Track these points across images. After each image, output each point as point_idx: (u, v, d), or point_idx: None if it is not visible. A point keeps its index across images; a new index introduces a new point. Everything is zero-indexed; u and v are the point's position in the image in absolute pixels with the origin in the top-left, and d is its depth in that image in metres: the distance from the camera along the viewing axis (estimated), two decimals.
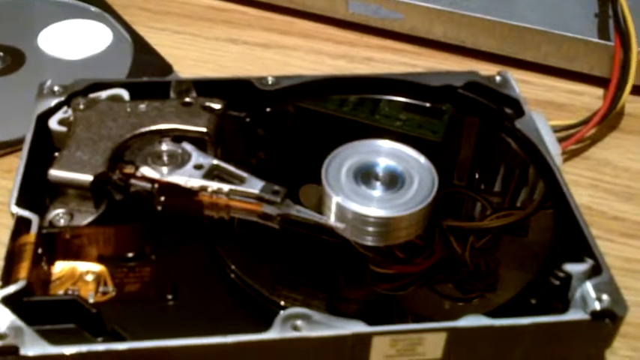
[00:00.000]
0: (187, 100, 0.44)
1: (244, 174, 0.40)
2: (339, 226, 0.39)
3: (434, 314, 0.38)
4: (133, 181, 0.41)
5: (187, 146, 0.42)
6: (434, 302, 0.39)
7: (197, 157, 0.41)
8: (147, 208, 0.40)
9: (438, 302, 0.39)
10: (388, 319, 0.34)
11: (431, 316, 0.35)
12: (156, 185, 0.40)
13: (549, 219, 0.41)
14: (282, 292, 0.36)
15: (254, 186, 0.40)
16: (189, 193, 0.40)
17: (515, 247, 0.42)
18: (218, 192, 0.40)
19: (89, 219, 0.39)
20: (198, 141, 0.43)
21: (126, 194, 0.41)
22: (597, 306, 0.34)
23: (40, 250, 0.37)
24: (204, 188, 0.40)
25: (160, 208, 0.41)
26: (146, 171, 0.41)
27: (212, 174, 0.41)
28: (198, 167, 0.41)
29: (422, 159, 0.42)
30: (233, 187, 0.40)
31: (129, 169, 0.41)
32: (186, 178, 0.40)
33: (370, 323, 0.33)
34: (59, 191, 0.39)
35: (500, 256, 0.41)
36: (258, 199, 0.39)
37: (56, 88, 0.45)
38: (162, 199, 0.41)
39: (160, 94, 0.45)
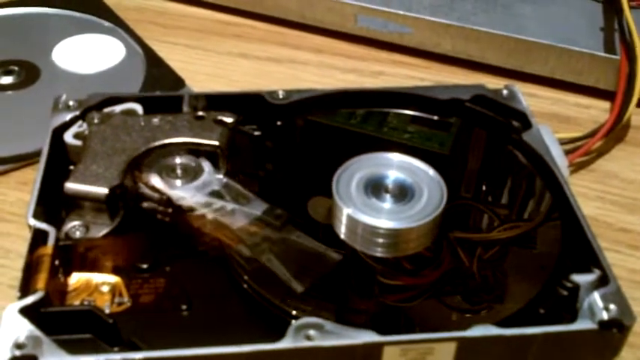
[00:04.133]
0: (200, 113, 0.45)
1: (251, 195, 0.40)
2: (299, 289, 0.38)
3: (442, 326, 0.38)
4: (141, 188, 0.42)
5: (203, 163, 0.43)
6: (442, 314, 0.39)
7: (209, 174, 0.42)
8: (154, 219, 0.41)
9: (445, 314, 0.39)
10: (396, 331, 0.34)
11: (439, 328, 0.35)
12: (164, 197, 0.41)
13: (557, 231, 0.41)
14: (292, 303, 0.37)
15: (257, 208, 0.39)
16: (189, 210, 0.40)
17: (523, 259, 0.43)
18: (221, 209, 0.40)
19: (104, 231, 0.40)
20: (211, 154, 0.43)
21: (137, 202, 0.41)
22: (605, 316, 0.34)
23: (56, 262, 0.37)
24: (208, 204, 0.40)
25: (165, 219, 0.41)
26: (155, 181, 0.41)
27: (221, 193, 0.41)
28: (207, 184, 0.41)
29: (431, 171, 0.43)
30: (237, 206, 0.40)
31: (140, 176, 0.42)
32: (191, 194, 0.41)
33: (379, 334, 0.34)
34: (75, 204, 0.40)
35: (508, 268, 0.42)
36: (262, 220, 0.39)
37: (71, 103, 0.45)
38: (170, 210, 0.41)
39: (173, 108, 0.46)
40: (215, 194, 0.41)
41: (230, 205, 0.40)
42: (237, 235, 0.38)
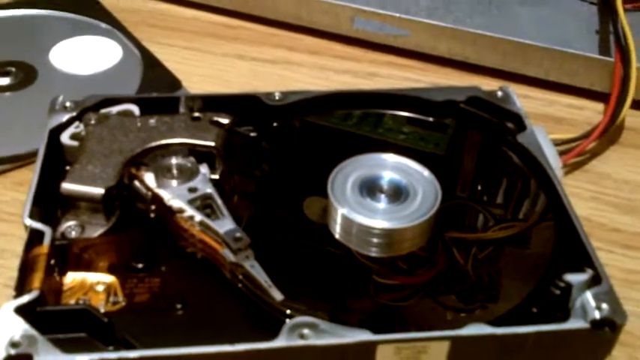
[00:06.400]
0: (196, 115, 0.45)
1: (225, 212, 0.40)
2: (278, 297, 0.37)
3: (436, 325, 0.38)
4: (135, 182, 0.42)
5: (200, 164, 0.43)
6: (436, 313, 0.40)
7: (200, 180, 0.42)
8: (149, 219, 0.42)
9: (440, 313, 0.40)
10: (391, 330, 0.35)
11: (433, 327, 0.35)
12: (149, 193, 0.42)
13: (551, 231, 0.42)
14: (286, 302, 0.37)
15: (222, 226, 0.39)
16: (169, 211, 0.41)
17: (518, 259, 0.43)
18: (191, 219, 0.40)
19: (100, 231, 0.40)
20: (207, 155, 0.43)
21: (132, 202, 0.42)
22: (597, 315, 0.35)
23: (52, 261, 0.37)
24: (181, 210, 0.40)
25: (152, 215, 0.42)
26: (147, 177, 0.42)
27: (201, 202, 0.41)
28: (192, 190, 0.41)
29: (425, 172, 0.43)
30: (205, 219, 0.39)
31: (135, 171, 0.42)
32: (171, 196, 0.41)
33: (373, 333, 0.34)
34: (71, 204, 0.40)
35: (503, 268, 0.42)
36: (222, 240, 0.39)
37: (68, 104, 0.46)
38: (153, 207, 0.42)
39: (170, 109, 0.46)
40: (195, 202, 0.41)
41: (199, 216, 0.40)
42: (224, 239, 0.38)
